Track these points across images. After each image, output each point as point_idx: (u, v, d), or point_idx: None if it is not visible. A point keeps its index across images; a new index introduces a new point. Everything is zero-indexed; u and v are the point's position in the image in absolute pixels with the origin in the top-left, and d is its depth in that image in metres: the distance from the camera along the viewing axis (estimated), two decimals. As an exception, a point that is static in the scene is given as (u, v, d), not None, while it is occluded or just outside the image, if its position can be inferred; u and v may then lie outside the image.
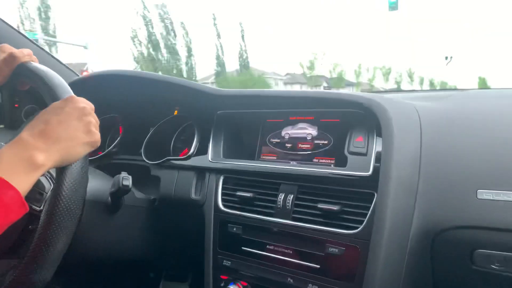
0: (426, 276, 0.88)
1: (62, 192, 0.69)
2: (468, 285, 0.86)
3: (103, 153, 1.35)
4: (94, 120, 0.72)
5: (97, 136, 0.72)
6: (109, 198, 1.03)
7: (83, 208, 0.96)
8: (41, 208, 0.82)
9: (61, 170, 0.69)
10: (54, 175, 0.75)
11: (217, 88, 1.20)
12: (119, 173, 1.03)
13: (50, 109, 0.69)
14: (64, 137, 0.66)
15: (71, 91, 0.75)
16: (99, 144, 0.73)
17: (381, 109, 0.89)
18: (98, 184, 1.04)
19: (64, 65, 1.47)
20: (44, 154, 0.62)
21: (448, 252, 0.83)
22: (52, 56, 1.44)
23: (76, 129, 0.68)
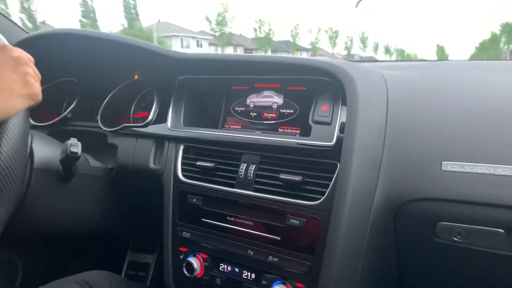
0: (389, 249, 0.87)
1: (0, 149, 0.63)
2: (431, 258, 0.85)
3: (57, 119, 1.27)
4: (31, 71, 0.66)
5: (35, 88, 0.67)
6: (60, 166, 0.96)
7: (30, 173, 0.90)
8: None
9: None
10: None
11: (179, 52, 1.13)
12: None
13: None
14: None
15: (5, 40, 0.68)
16: (39, 97, 0.68)
17: (347, 76, 0.84)
18: (48, 152, 0.97)
19: (12, 21, 1.35)
20: None
21: (410, 225, 0.82)
22: None
23: (11, 80, 0.63)
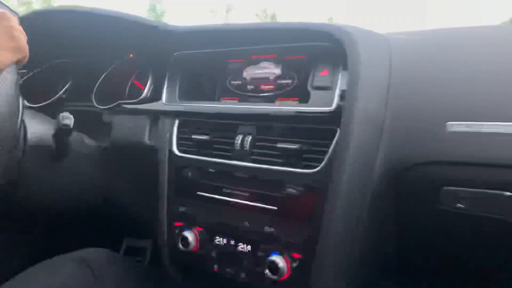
0: (389, 218, 0.83)
1: None
2: (433, 226, 0.81)
3: (52, 99, 1.24)
4: (16, 25, 0.65)
5: (21, 41, 0.65)
6: (54, 143, 0.94)
7: (23, 150, 0.88)
8: None
9: None
10: None
11: (173, 24, 1.09)
12: None
13: None
14: None
15: None
16: (26, 51, 0.67)
17: (348, 37, 0.80)
18: (41, 128, 0.94)
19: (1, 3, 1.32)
20: None
21: (413, 191, 0.78)
22: None
23: None
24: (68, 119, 0.88)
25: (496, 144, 0.68)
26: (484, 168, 0.70)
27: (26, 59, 0.70)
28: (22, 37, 0.66)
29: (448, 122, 0.73)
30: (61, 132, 0.90)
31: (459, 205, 0.74)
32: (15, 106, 0.68)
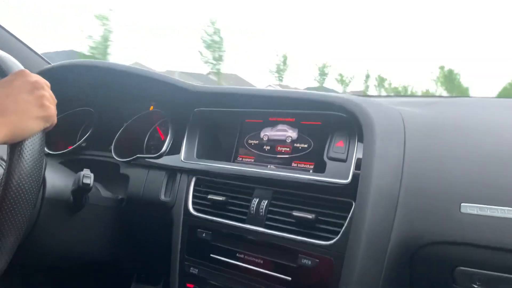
0: None
1: (14, 171, 0.64)
2: None
3: (71, 148, 1.27)
4: (47, 94, 0.68)
5: (51, 110, 0.68)
6: (71, 197, 0.96)
7: (41, 202, 0.90)
8: None
9: (12, 146, 0.65)
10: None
11: (194, 84, 1.14)
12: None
13: None
14: (13, 110, 0.62)
15: (22, 66, 0.70)
16: (55, 119, 0.69)
17: (363, 112, 0.83)
18: (60, 181, 0.96)
19: (34, 51, 1.38)
20: None
21: (428, 269, 0.78)
22: (19, 40, 1.35)
23: (27, 103, 0.64)
24: (88, 178, 0.90)
25: (510, 229, 0.69)
26: (499, 251, 0.70)
27: (54, 125, 0.72)
28: (52, 106, 0.68)
29: (462, 203, 0.74)
30: (81, 190, 0.92)
31: (475, 286, 0.74)
32: (41, 162, 0.70)
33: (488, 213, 0.71)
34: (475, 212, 0.72)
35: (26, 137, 0.65)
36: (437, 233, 0.75)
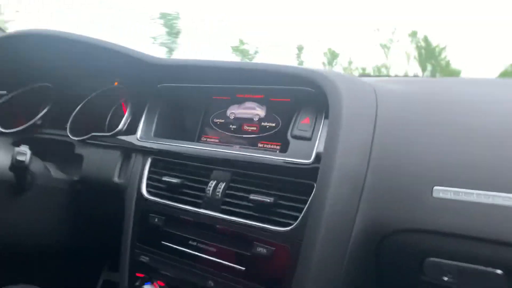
0: (368, 285, 0.74)
1: None
2: None
3: (25, 126, 1.18)
4: None
5: None
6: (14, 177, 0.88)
7: None
8: None
9: None
10: None
11: (159, 57, 1.04)
12: (41, 151, 0.88)
13: None
14: None
15: None
16: None
17: (331, 86, 0.75)
18: (0, 160, 0.88)
19: None
20: None
21: (395, 259, 0.70)
22: None
23: None
24: (23, 155, 0.81)
25: (486, 216, 0.61)
26: (474, 241, 0.62)
27: None
28: None
29: (435, 187, 0.65)
30: (16, 168, 0.83)
31: (445, 278, 0.66)
32: None
33: (463, 197, 0.63)
34: (449, 197, 0.64)
35: None
36: (406, 220, 0.67)
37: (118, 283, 1.39)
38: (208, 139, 1.00)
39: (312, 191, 0.71)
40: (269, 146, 0.90)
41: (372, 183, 0.70)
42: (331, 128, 0.72)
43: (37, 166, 0.92)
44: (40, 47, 1.17)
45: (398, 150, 0.72)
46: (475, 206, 0.61)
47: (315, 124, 0.80)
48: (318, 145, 0.75)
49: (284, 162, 0.76)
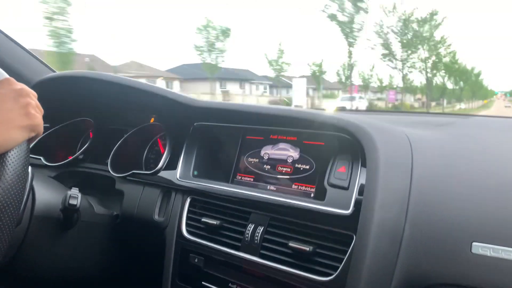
0: None
1: None
2: None
3: (68, 160, 1.24)
4: (33, 102, 0.64)
5: (37, 119, 0.64)
6: (62, 215, 0.92)
7: (29, 219, 0.86)
8: None
9: None
10: None
11: (194, 99, 1.09)
12: (82, 184, 0.92)
13: None
14: None
15: (6, 75, 0.67)
16: (41, 129, 0.65)
17: (367, 136, 0.77)
18: (50, 198, 0.93)
19: (37, 59, 1.36)
20: None
21: None
22: (22, 48, 1.32)
23: (11, 111, 0.61)
24: (75, 199, 0.86)
25: None
26: None
27: (40, 135, 0.69)
28: (38, 115, 0.65)
29: (474, 242, 0.67)
30: (67, 211, 0.88)
31: None
32: (26, 173, 0.66)
33: (502, 255, 0.65)
34: (488, 254, 0.66)
35: (9, 148, 0.61)
36: (444, 275, 0.68)
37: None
38: (243, 178, 1.03)
39: (351, 242, 0.74)
40: (303, 188, 0.92)
41: (410, 235, 0.72)
42: (369, 179, 0.74)
43: (82, 204, 0.96)
44: (80, 87, 1.24)
45: (436, 202, 0.73)
46: None
47: (351, 174, 0.82)
48: (356, 195, 0.77)
49: (323, 211, 0.79)
